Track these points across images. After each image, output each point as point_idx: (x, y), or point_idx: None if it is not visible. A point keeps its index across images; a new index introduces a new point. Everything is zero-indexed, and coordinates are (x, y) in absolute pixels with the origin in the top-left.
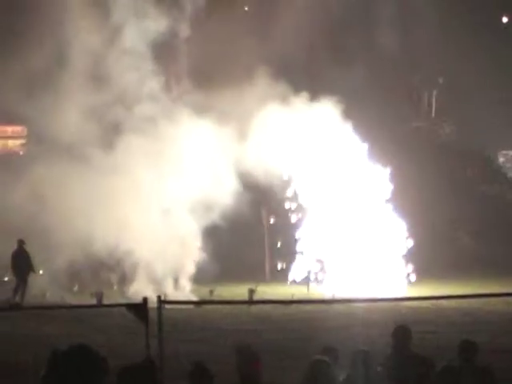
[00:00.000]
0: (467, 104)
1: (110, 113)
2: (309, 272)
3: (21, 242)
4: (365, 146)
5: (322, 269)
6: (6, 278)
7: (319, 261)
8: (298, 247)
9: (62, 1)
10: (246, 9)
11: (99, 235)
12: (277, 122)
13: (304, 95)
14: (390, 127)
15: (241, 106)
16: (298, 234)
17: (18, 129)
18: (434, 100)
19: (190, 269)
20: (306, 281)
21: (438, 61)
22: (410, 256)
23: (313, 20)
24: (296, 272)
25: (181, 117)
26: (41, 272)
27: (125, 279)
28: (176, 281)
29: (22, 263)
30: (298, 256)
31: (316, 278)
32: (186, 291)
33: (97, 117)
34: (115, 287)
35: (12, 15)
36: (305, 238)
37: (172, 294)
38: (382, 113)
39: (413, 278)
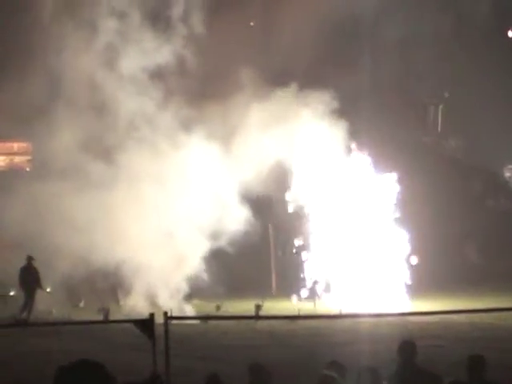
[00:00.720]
0: (473, 118)
1: (110, 134)
2: (314, 287)
3: (30, 259)
4: (369, 160)
5: (326, 285)
6: (11, 293)
7: (324, 277)
8: (304, 263)
9: (59, 25)
10: (252, 24)
11: (104, 252)
12: (282, 138)
13: (309, 110)
14: (396, 141)
15: (243, 123)
16: (303, 250)
17: (23, 145)
18: (439, 114)
19: (193, 284)
20: (312, 296)
21: (444, 75)
22: (417, 271)
23: (317, 35)
24: (302, 288)
25: (181, 137)
26: (48, 290)
27: (129, 295)
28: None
29: (30, 279)
30: (303, 272)
31: (318, 294)
32: (188, 307)
33: (99, 135)
34: (121, 303)
35: (13, 35)
36: (310, 254)
37: (176, 309)
38: (389, 127)
39: (418, 292)
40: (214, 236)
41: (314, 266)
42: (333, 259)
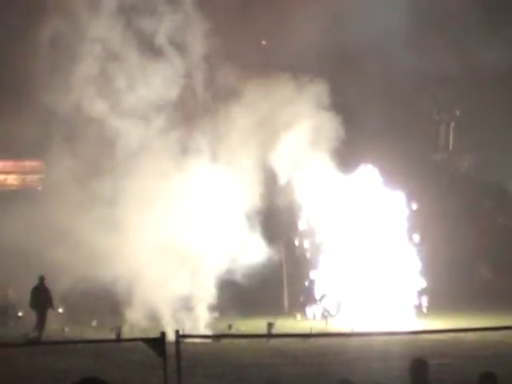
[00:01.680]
0: (485, 136)
1: (118, 155)
2: (325, 307)
3: (42, 279)
4: (380, 179)
5: (337, 303)
6: (19, 314)
7: (334, 295)
8: (315, 281)
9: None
10: (264, 43)
11: (116, 272)
12: (293, 157)
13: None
14: (407, 160)
15: (248, 144)
16: (314, 268)
17: (35, 164)
18: (451, 132)
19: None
20: (324, 315)
21: (455, 93)
22: (428, 289)
23: (328, 54)
24: (313, 306)
25: (186, 159)
26: (60, 310)
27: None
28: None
29: (42, 299)
30: (314, 290)
31: (329, 312)
32: (201, 326)
33: (107, 156)
34: (133, 322)
35: (22, 57)
36: (322, 273)
37: (189, 329)
38: (400, 145)
39: (430, 311)
40: (226, 257)
41: (324, 285)
42: (344, 278)
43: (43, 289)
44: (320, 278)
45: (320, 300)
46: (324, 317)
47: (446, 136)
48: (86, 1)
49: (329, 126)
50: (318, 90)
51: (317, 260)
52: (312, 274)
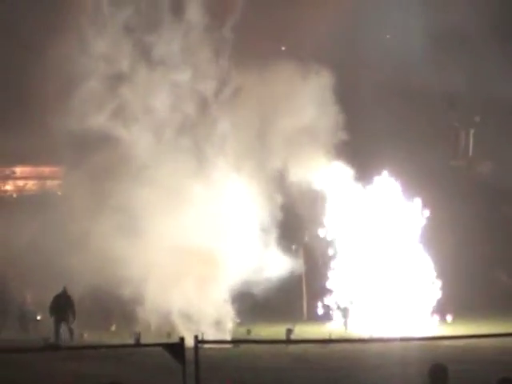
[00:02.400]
0: (504, 143)
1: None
2: (344, 311)
3: (65, 288)
4: (398, 184)
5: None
6: (38, 317)
7: (351, 302)
8: (332, 287)
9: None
10: (283, 48)
11: (135, 277)
12: (311, 166)
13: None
14: (427, 166)
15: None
16: (332, 275)
17: (55, 169)
18: (471, 139)
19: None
20: (343, 320)
21: (475, 99)
22: (446, 295)
23: (348, 60)
24: (330, 312)
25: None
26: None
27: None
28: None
29: (64, 305)
30: (332, 296)
31: (346, 319)
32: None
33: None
34: (152, 327)
35: (42, 71)
36: (339, 279)
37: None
38: (420, 152)
39: (449, 317)
40: (246, 268)
41: (343, 291)
42: (362, 284)
43: (65, 297)
44: (338, 285)
45: (338, 307)
46: (343, 323)
47: (466, 142)
48: (92, 20)
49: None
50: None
51: (335, 267)
52: (330, 281)
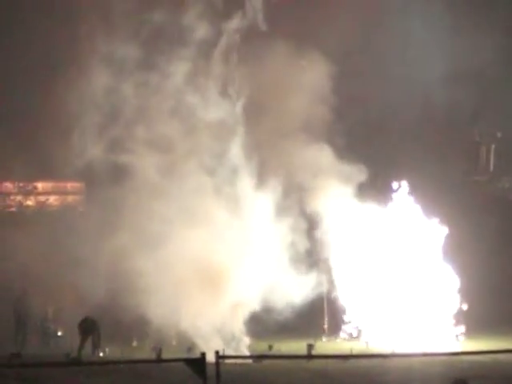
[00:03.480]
0: None
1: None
2: (358, 328)
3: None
4: (419, 202)
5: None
6: (59, 333)
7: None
8: (351, 303)
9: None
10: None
11: (156, 293)
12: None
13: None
14: (448, 181)
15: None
16: (353, 291)
17: (76, 185)
18: (492, 154)
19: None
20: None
21: (497, 115)
22: (469, 311)
23: (363, 74)
24: (349, 328)
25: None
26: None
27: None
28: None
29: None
30: (351, 312)
31: (357, 334)
32: (242, 347)
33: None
34: (174, 342)
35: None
36: (359, 293)
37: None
38: (441, 167)
39: (470, 333)
40: (266, 290)
41: (360, 307)
42: (384, 299)
43: (91, 321)
44: (358, 301)
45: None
46: (362, 339)
47: (487, 158)
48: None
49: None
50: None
51: (356, 283)
52: (350, 298)
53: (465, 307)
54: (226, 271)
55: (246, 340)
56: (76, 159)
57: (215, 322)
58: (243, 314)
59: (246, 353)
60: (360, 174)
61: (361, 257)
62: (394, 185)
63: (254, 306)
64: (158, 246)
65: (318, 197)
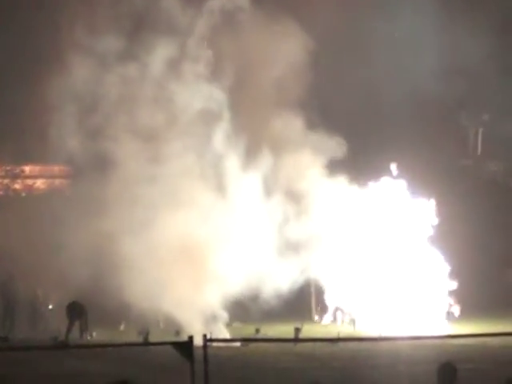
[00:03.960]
0: None
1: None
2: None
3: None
4: (405, 183)
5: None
6: (50, 306)
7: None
8: (339, 288)
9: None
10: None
11: (143, 276)
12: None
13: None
14: (435, 165)
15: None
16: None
17: (64, 169)
18: (479, 137)
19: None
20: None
21: (484, 98)
22: (456, 294)
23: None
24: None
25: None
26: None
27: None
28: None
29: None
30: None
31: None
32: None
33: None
34: (161, 326)
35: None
36: (346, 276)
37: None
38: (427, 150)
39: (457, 315)
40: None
41: (347, 290)
42: (371, 283)
43: (79, 305)
44: (345, 284)
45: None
46: (350, 321)
47: (474, 141)
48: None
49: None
50: None
51: (345, 266)
52: (338, 281)
53: (454, 289)
54: (209, 252)
55: (225, 318)
56: (62, 143)
57: (199, 304)
58: (224, 292)
59: (226, 333)
60: (338, 147)
61: (347, 238)
62: (381, 165)
63: (239, 287)
64: (144, 229)
65: (299, 172)
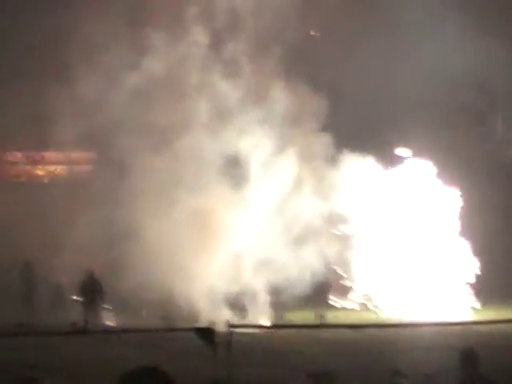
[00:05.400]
0: None
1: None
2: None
3: (91, 273)
4: (433, 170)
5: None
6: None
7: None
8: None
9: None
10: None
11: (166, 263)
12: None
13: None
14: (457, 150)
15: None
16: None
17: (85, 154)
18: (499, 122)
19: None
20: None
21: (504, 83)
22: (479, 280)
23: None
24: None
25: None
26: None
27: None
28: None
29: (90, 290)
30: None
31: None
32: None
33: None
34: (184, 312)
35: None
36: (369, 263)
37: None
38: (447, 136)
39: (480, 302)
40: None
41: (374, 277)
42: (396, 269)
43: (93, 280)
44: (369, 270)
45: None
46: (373, 308)
47: (494, 126)
48: None
49: None
50: None
51: (366, 253)
52: (360, 268)
53: (478, 273)
54: (231, 237)
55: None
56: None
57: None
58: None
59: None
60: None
61: (372, 222)
62: (399, 150)
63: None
64: (165, 214)
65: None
